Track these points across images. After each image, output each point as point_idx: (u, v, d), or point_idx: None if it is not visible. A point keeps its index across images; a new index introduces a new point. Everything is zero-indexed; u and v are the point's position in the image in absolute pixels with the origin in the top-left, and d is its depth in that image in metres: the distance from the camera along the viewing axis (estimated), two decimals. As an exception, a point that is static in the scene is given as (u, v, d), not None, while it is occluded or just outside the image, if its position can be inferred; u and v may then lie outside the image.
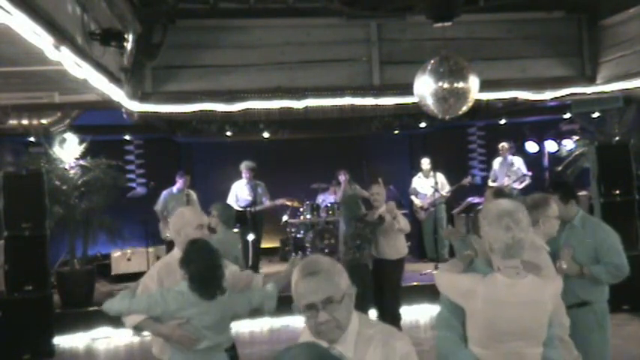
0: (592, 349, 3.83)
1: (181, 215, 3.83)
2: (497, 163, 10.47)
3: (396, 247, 6.58)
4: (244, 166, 9.28)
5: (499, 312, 2.61)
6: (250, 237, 8.98)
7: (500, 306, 2.60)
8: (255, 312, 3.73)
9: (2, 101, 6.60)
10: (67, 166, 8.31)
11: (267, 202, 9.35)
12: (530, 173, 10.19)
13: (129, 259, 9.68)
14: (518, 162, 10.29)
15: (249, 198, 9.16)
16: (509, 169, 10.17)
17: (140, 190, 10.37)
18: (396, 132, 11.84)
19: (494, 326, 2.62)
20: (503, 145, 10.33)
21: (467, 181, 9.95)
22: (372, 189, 6.79)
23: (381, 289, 6.51)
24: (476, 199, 9.68)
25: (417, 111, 7.42)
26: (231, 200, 9.28)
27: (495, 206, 2.69)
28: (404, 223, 6.57)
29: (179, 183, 9.45)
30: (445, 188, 10.03)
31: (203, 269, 3.35)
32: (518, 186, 9.95)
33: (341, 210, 6.84)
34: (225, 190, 9.43)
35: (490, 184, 10.08)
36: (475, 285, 2.67)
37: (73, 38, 4.40)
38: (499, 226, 2.57)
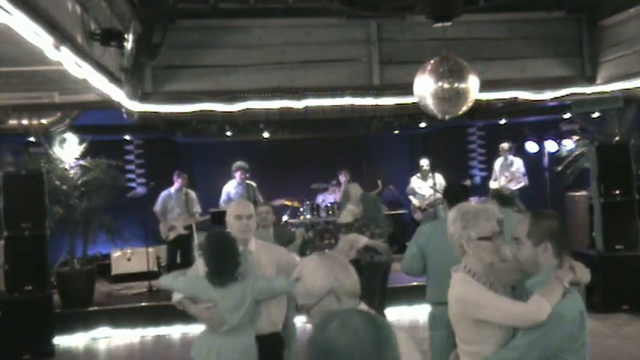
0: None
1: (229, 205, 4.15)
2: (497, 163, 10.48)
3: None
4: (236, 167, 9.24)
5: None
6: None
7: None
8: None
9: (2, 101, 6.60)
10: (67, 166, 8.30)
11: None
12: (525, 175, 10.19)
13: (129, 259, 9.69)
14: (518, 163, 10.29)
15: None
16: (508, 169, 10.17)
17: (140, 190, 10.36)
18: (396, 132, 11.85)
19: None
20: (504, 145, 10.33)
21: (466, 182, 9.91)
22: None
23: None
24: (475, 200, 9.65)
25: (417, 111, 7.42)
26: (222, 202, 9.27)
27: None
28: None
29: (177, 183, 9.46)
30: (444, 189, 9.97)
31: (213, 258, 3.62)
32: (514, 186, 9.94)
33: (364, 208, 6.84)
34: (225, 190, 9.44)
35: (491, 184, 10.09)
36: None
37: (73, 38, 4.40)
38: None
